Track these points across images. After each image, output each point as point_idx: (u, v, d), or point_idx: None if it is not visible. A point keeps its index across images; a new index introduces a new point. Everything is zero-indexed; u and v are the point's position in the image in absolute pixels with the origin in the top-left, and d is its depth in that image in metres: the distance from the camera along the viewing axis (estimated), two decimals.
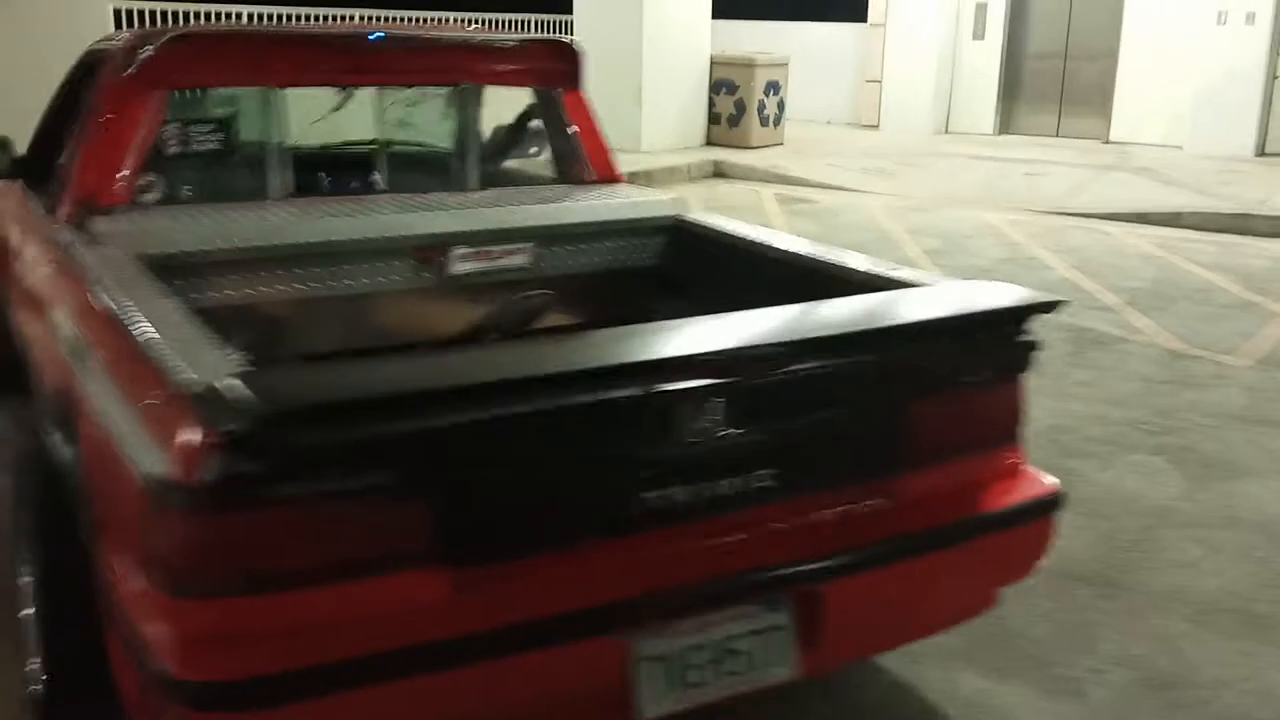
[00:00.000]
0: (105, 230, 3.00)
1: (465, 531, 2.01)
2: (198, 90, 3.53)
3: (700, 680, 2.19)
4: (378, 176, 3.70)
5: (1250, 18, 12.80)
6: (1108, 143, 14.21)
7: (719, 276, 3.47)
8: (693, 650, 2.17)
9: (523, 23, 12.64)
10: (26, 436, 2.70)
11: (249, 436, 1.79)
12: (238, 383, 1.78)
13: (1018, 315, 2.41)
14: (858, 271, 2.91)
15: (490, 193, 3.69)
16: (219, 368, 1.94)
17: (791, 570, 2.25)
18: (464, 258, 3.32)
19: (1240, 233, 9.38)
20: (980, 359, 2.45)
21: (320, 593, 1.92)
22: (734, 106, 13.22)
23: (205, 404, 1.81)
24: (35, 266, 3.31)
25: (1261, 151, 13.25)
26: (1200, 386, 5.38)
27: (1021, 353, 2.47)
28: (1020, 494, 2.53)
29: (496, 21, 12.27)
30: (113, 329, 2.30)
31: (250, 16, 10.38)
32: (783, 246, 3.25)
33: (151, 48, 3.15)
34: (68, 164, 3.34)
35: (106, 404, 2.20)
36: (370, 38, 3.39)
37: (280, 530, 1.89)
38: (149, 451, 1.94)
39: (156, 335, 2.11)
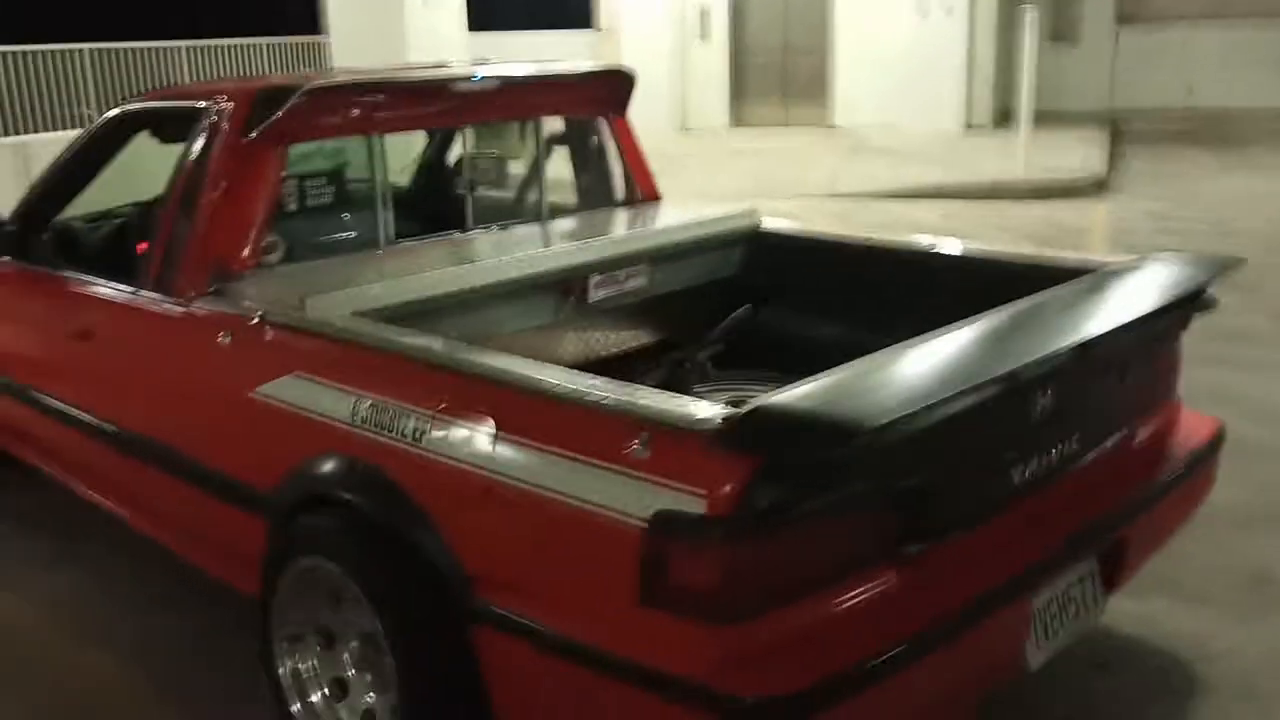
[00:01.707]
0: (266, 295, 2.89)
1: (907, 525, 2.20)
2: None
3: (1057, 629, 2.47)
4: (465, 213, 3.69)
5: (949, 10, 14.29)
6: (831, 127, 15.40)
7: (804, 279, 3.72)
8: (1052, 603, 2.45)
9: (278, 46, 12.21)
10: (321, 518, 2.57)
11: (795, 461, 1.92)
12: (818, 408, 1.89)
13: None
14: (1012, 262, 3.23)
15: (574, 220, 3.78)
16: (679, 404, 2.03)
17: (1110, 519, 2.58)
18: (599, 285, 3.42)
19: (995, 198, 10.53)
20: (1181, 319, 2.86)
21: (818, 601, 2.06)
22: None
23: (751, 433, 1.90)
24: (172, 344, 3.11)
25: (968, 125, 14.83)
26: None
27: (1193, 311, 2.90)
28: (1204, 432, 2.98)
29: (252, 46, 11.83)
30: (487, 389, 2.29)
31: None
32: (895, 245, 3.55)
33: (282, 107, 3.04)
34: (171, 232, 3.15)
35: (507, 461, 2.20)
36: (474, 79, 3.40)
37: (797, 546, 2.02)
38: (645, 492, 1.98)
39: (587, 384, 2.15)
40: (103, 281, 3.40)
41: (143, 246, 3.69)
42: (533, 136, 3.82)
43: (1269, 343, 6.01)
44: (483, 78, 3.42)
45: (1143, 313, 2.49)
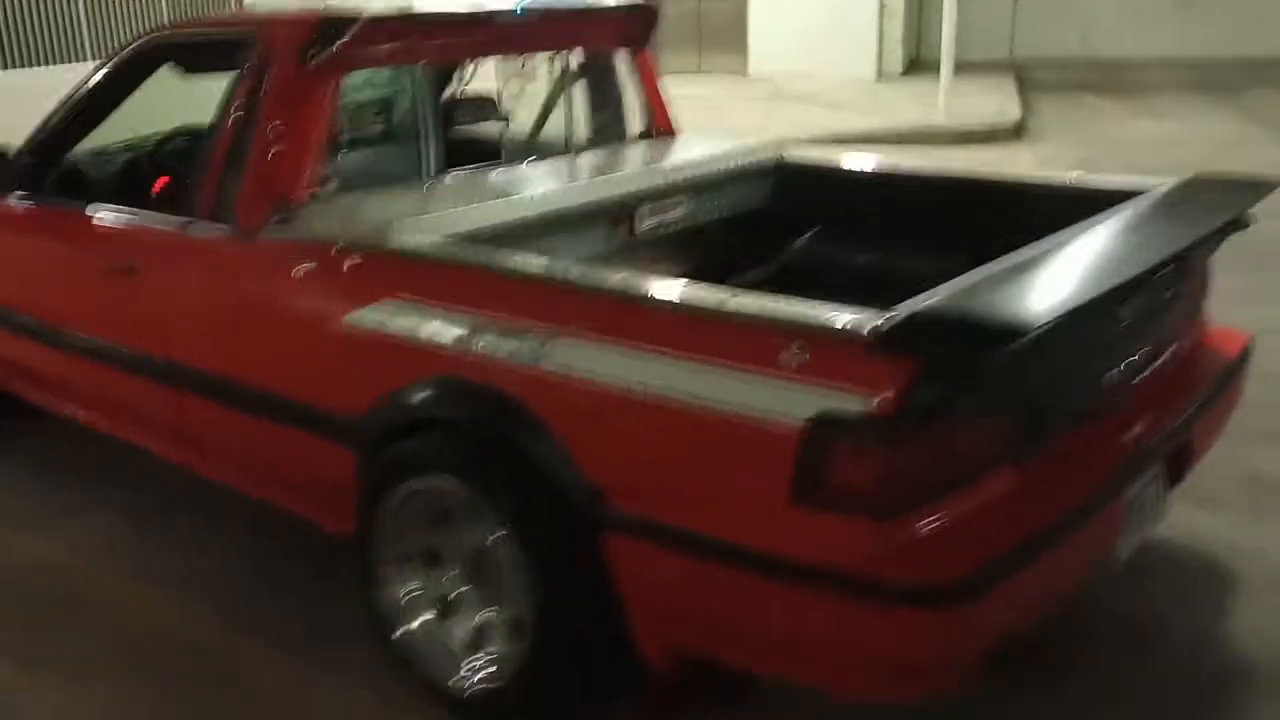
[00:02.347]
0: (336, 224, 2.89)
1: (1024, 427, 2.33)
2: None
3: (1135, 527, 2.64)
4: (503, 145, 3.69)
5: None
6: (745, 76, 15.52)
7: (830, 209, 3.82)
8: (1132, 502, 2.62)
9: None
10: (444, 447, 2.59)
11: (956, 363, 2.03)
12: (979, 310, 2.00)
13: None
14: (1047, 187, 3.37)
15: (606, 153, 3.81)
16: (833, 312, 2.11)
17: (1177, 423, 2.75)
18: (647, 215, 3.47)
19: (921, 143, 10.78)
20: (1220, 238, 3.03)
21: (961, 497, 2.18)
22: None
23: (915, 336, 1.99)
24: (239, 275, 3.07)
25: (879, 75, 15.10)
26: None
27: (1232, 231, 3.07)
28: (1236, 344, 3.17)
29: None
30: (634, 307, 2.33)
31: None
32: (919, 173, 3.67)
33: (344, 35, 3.00)
34: (225, 163, 3.10)
35: (644, 374, 2.24)
36: (517, 11, 3.40)
37: (944, 445, 2.13)
38: (802, 396, 2.05)
39: (730, 297, 2.22)
40: (145, 215, 3.33)
41: (161, 181, 3.64)
42: (568, 70, 3.83)
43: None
44: (526, 10, 3.42)
45: (1211, 229, 2.65)
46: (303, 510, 3.11)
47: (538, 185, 3.30)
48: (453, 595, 2.71)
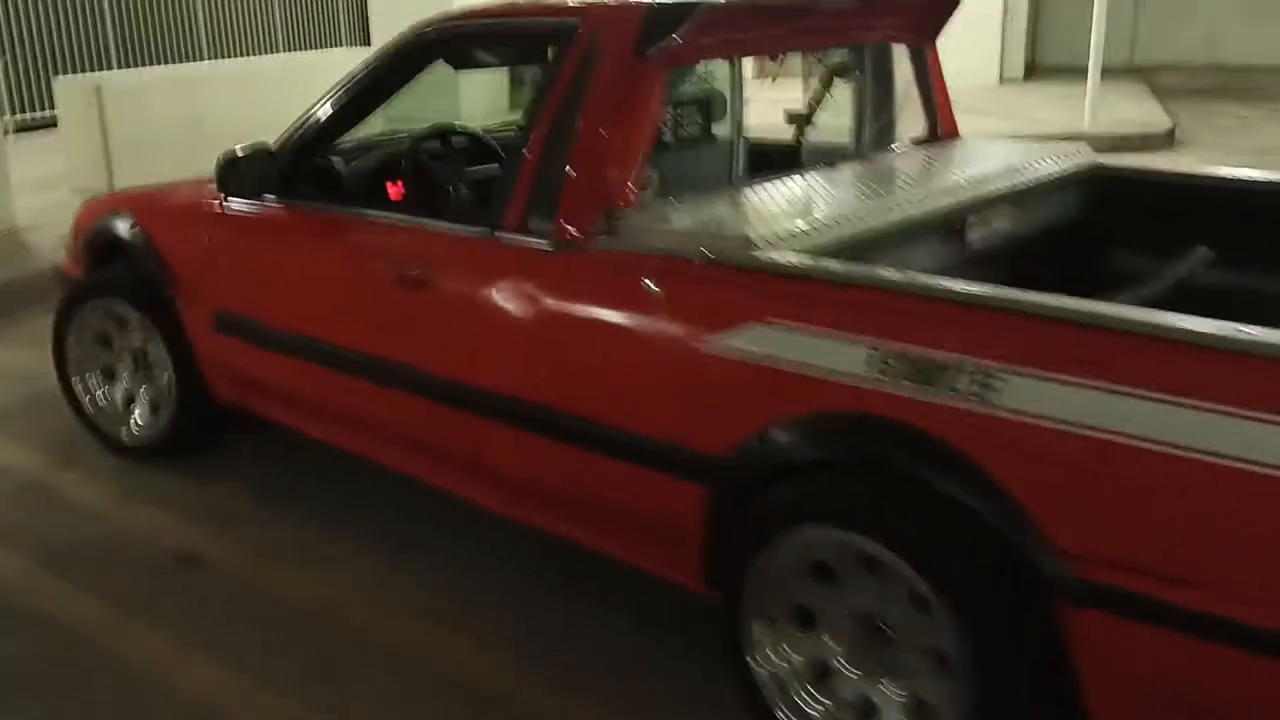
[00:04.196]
0: (678, 234, 2.58)
1: None
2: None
3: None
4: (803, 150, 3.37)
5: None
6: None
7: (1155, 221, 3.43)
8: None
9: None
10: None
11: None
12: None
13: None
14: None
15: (905, 156, 3.48)
16: None
17: None
18: (977, 225, 3.12)
19: None
20: None
21: None
22: None
23: None
24: (567, 292, 2.74)
25: (1001, 79, 14.68)
26: None
27: None
28: None
29: None
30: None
31: None
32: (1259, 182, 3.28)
33: (679, 26, 2.69)
34: (539, 166, 2.79)
35: (1140, 420, 1.89)
36: None
37: None
38: None
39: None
40: (436, 224, 3.04)
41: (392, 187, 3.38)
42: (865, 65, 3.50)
43: None
44: None
45: None
46: (623, 554, 2.80)
47: (870, 194, 2.96)
48: (833, 662, 2.38)
